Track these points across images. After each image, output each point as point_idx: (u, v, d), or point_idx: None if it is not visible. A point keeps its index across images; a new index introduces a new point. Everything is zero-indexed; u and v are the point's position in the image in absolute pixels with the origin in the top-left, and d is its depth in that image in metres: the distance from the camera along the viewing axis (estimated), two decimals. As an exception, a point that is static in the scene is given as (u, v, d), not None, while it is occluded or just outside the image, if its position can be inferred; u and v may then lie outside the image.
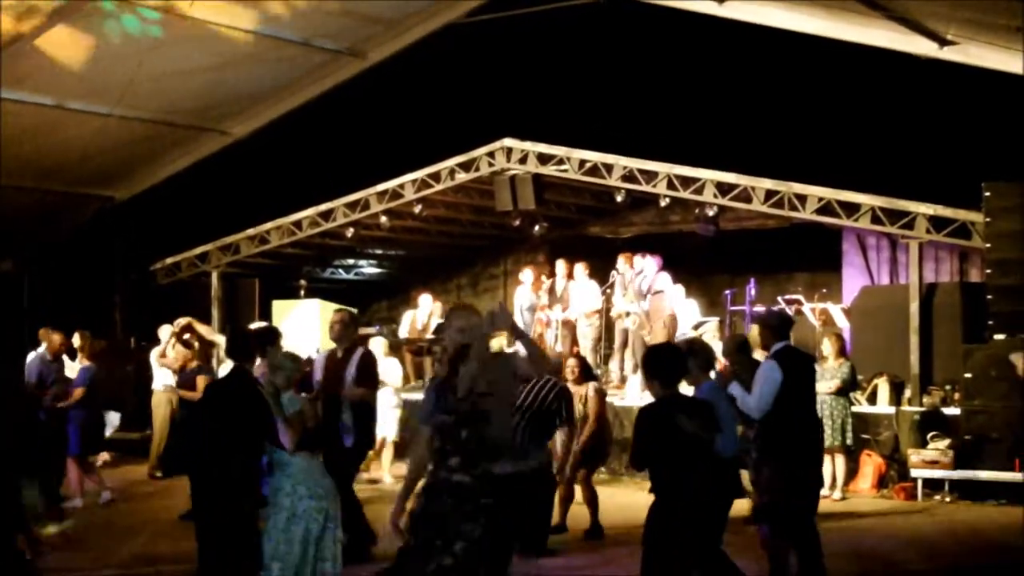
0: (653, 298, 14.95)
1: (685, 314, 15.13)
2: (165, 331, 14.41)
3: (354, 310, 16.78)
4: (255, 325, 12.46)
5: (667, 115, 17.16)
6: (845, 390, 12.34)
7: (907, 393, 13.46)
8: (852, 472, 12.83)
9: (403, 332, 17.30)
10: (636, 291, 15.13)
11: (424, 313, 17.26)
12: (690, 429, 5.98)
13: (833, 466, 12.42)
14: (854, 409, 12.80)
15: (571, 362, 10.63)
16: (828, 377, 12.40)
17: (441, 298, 18.67)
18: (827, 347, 12.64)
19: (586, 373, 10.61)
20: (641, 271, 15.25)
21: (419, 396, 16.29)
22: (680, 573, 6.01)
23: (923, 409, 13.07)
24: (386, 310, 20.46)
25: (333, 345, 9.30)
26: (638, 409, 6.53)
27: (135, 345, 17.70)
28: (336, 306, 15.42)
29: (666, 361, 6.27)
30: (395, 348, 15.32)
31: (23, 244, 18.40)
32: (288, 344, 10.00)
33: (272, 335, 7.99)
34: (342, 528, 7.15)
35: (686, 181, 14.86)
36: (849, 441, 12.31)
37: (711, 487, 6.15)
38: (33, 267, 18.84)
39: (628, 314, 15.32)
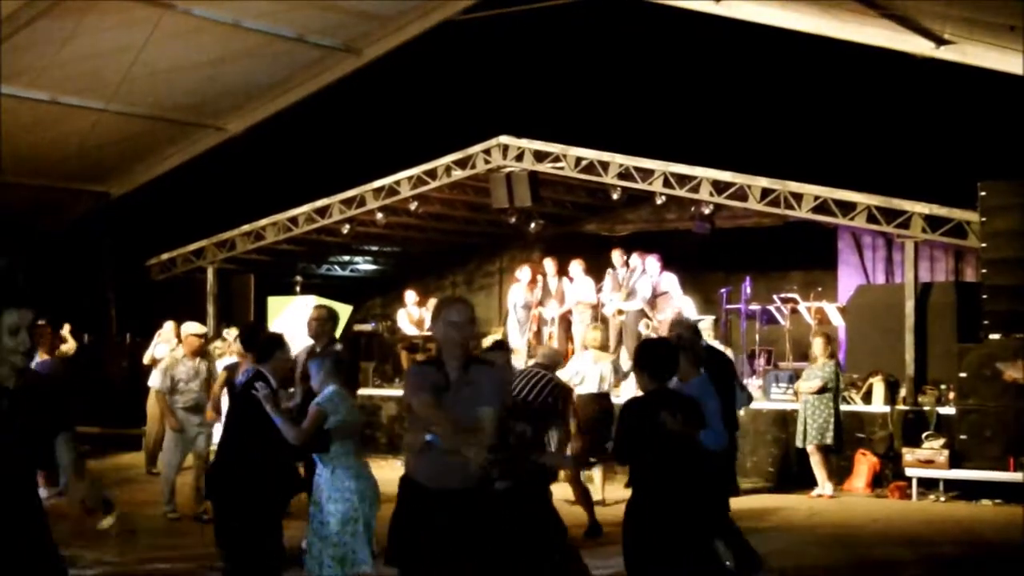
0: (659, 299, 15.00)
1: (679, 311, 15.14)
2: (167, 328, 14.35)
3: (348, 307, 16.84)
4: None
5: (663, 113, 17.16)
6: (826, 389, 12.32)
7: (902, 392, 13.45)
8: (847, 471, 12.86)
9: (404, 327, 17.39)
10: (631, 289, 15.13)
11: (414, 308, 17.33)
12: (673, 424, 5.96)
13: (821, 465, 12.45)
14: (848, 408, 12.83)
15: None
16: (811, 377, 12.43)
17: (437, 295, 18.66)
18: (817, 346, 12.66)
19: None
20: (636, 268, 15.25)
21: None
22: (665, 570, 5.99)
23: (918, 408, 13.08)
24: (381, 306, 20.43)
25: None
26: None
27: (130, 341, 17.67)
28: (324, 301, 15.42)
29: (658, 355, 6.26)
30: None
31: (18, 240, 18.37)
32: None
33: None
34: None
35: (682, 179, 14.85)
36: (829, 441, 12.30)
37: (695, 482, 6.13)
38: (28, 263, 18.85)
39: (624, 312, 15.34)
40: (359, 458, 7.06)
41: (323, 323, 8.91)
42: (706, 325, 14.30)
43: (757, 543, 8.28)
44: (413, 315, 17.39)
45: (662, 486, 5.97)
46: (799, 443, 12.49)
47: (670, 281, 15.21)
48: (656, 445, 5.97)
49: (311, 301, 17.53)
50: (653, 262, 15.28)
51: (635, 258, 15.39)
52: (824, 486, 12.39)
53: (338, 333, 15.68)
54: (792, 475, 13.13)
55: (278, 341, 7.61)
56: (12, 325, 4.14)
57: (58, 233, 19.34)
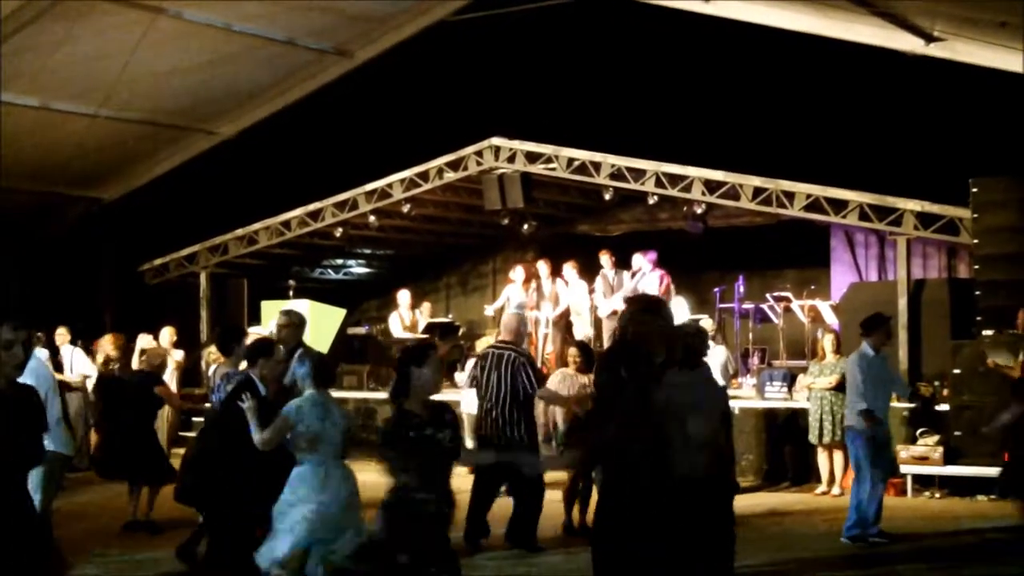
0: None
1: (674, 311, 15.10)
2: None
3: (342, 310, 16.84)
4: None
5: (655, 113, 17.17)
6: (842, 385, 12.37)
7: (896, 389, 13.46)
8: (842, 468, 12.88)
9: (395, 331, 17.30)
10: (632, 290, 15.13)
11: (407, 311, 17.25)
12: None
13: (831, 462, 12.47)
14: (843, 405, 12.86)
15: (572, 351, 10.51)
16: (827, 373, 12.43)
17: (430, 297, 18.67)
18: (828, 343, 12.65)
19: (589, 362, 10.23)
20: (640, 269, 15.20)
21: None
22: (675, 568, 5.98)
23: (912, 405, 13.08)
24: (375, 309, 20.42)
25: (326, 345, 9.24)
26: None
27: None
28: (318, 305, 15.41)
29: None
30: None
31: (11, 245, 18.34)
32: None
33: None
34: None
35: (674, 179, 14.87)
36: None
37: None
38: (21, 268, 18.82)
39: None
40: (331, 466, 6.95)
41: (295, 328, 8.84)
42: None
43: (755, 539, 8.29)
44: (405, 318, 17.27)
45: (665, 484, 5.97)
46: (813, 439, 12.45)
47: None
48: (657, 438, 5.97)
49: (304, 305, 17.56)
50: (648, 260, 15.23)
51: (638, 258, 15.29)
52: (832, 483, 12.39)
53: (331, 337, 15.75)
54: (786, 473, 13.14)
55: (267, 347, 7.56)
56: (7, 341, 4.49)
57: (52, 238, 19.31)
